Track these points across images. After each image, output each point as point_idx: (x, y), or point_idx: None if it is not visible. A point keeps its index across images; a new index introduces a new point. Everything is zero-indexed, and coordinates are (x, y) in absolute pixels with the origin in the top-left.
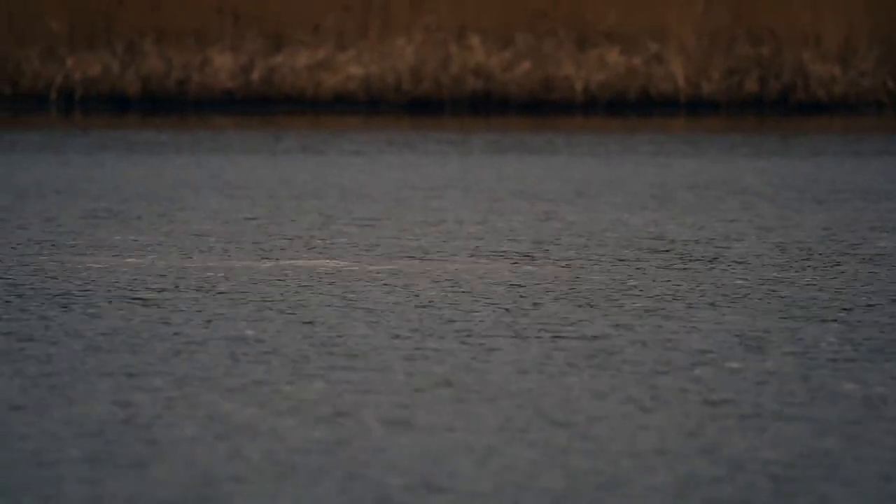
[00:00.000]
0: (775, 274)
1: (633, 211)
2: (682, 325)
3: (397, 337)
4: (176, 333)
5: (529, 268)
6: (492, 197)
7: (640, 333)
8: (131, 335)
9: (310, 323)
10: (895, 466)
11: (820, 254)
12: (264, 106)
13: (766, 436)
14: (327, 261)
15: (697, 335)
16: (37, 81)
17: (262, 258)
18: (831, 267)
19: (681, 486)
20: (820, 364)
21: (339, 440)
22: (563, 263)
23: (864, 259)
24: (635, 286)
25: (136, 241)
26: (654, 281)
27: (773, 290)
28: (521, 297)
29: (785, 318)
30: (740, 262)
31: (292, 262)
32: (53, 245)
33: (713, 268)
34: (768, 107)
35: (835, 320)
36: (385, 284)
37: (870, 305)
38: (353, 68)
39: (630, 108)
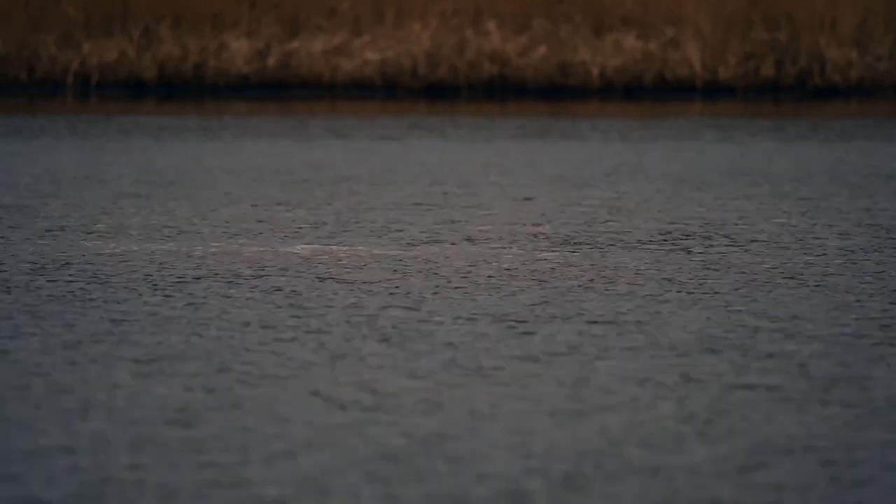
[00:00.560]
0: (811, 258)
1: (670, 195)
2: (726, 310)
3: (440, 322)
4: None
5: (571, 252)
6: (527, 181)
7: (681, 317)
8: (272, 322)
9: (356, 306)
10: None
11: (861, 243)
12: (280, 91)
13: (808, 419)
14: (366, 247)
15: (742, 318)
16: (53, 67)
17: (310, 242)
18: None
19: (719, 467)
20: (860, 349)
21: (435, 433)
22: (605, 248)
23: None
24: (680, 269)
25: (194, 226)
26: (696, 266)
27: (818, 275)
28: (566, 280)
29: (826, 303)
30: (780, 246)
31: (335, 246)
32: (113, 231)
33: (750, 251)
34: (784, 91)
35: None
36: (430, 270)
37: None
38: (369, 53)
39: (646, 93)
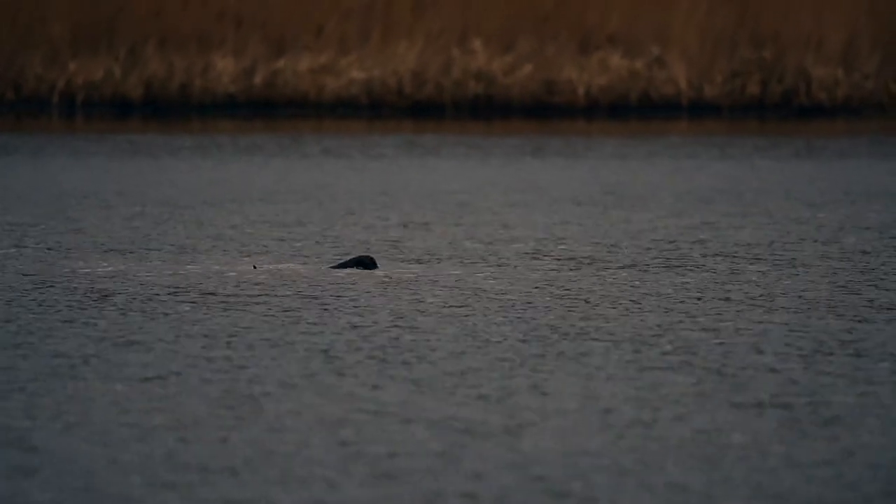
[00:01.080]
0: (848, 277)
1: (679, 214)
2: (763, 328)
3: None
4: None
5: (594, 271)
6: (533, 200)
7: (724, 334)
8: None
9: (381, 327)
10: None
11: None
12: (266, 110)
13: (865, 437)
14: (389, 267)
15: (778, 338)
16: (39, 85)
17: (329, 262)
18: None
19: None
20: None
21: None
22: (628, 268)
23: None
24: (713, 288)
25: (210, 244)
26: (728, 284)
27: (853, 293)
28: (593, 301)
29: (876, 321)
30: (807, 265)
31: (347, 269)
32: (116, 249)
33: (781, 269)
34: (770, 110)
35: None
36: (453, 289)
37: None
38: (355, 72)
39: (632, 111)
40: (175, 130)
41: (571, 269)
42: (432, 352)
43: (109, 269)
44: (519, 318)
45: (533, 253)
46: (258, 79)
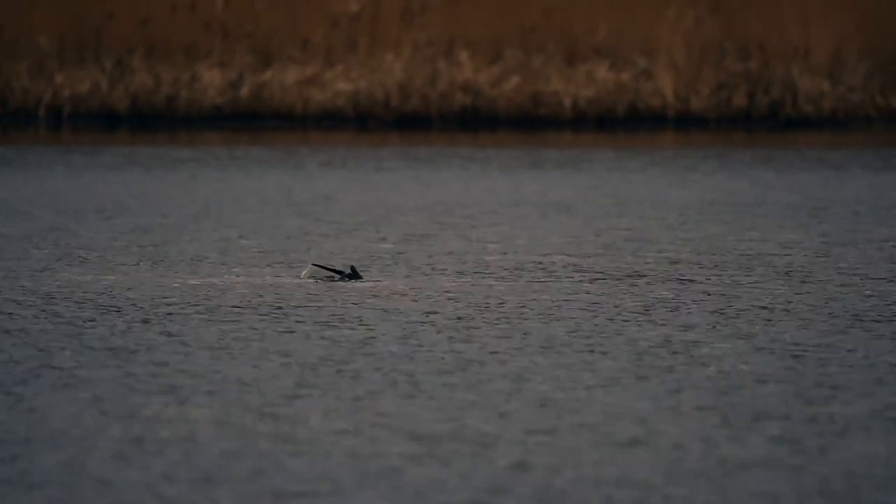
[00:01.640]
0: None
1: (689, 225)
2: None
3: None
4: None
5: (603, 282)
6: (533, 212)
7: (759, 341)
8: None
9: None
10: None
11: None
12: (253, 121)
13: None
14: (392, 280)
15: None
16: (25, 98)
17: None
18: None
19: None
20: None
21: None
22: (634, 278)
23: None
24: (750, 298)
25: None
26: (763, 296)
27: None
28: (607, 311)
29: None
30: (826, 279)
31: (358, 282)
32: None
33: (789, 280)
34: (757, 122)
35: None
36: (463, 301)
37: None
38: (341, 84)
39: (619, 123)
40: (165, 142)
41: (584, 282)
42: (440, 364)
43: (114, 280)
44: (530, 330)
45: (540, 264)
46: (245, 90)
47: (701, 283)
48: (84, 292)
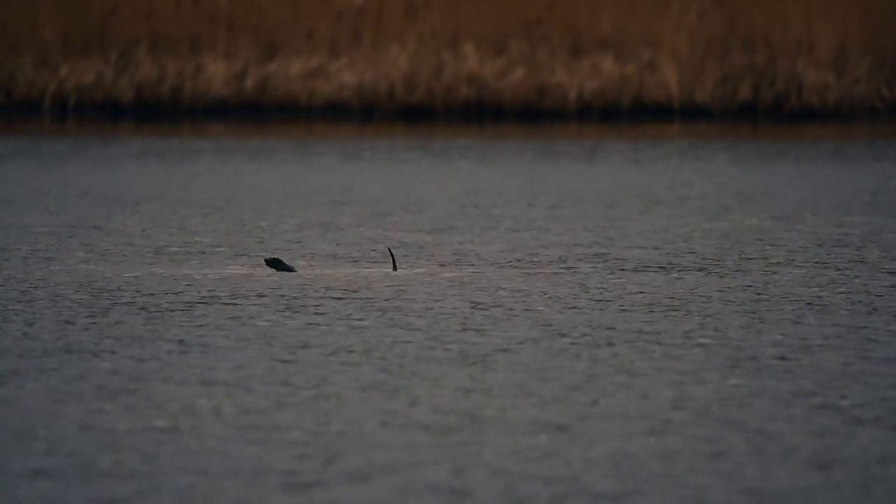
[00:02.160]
0: None
1: (710, 217)
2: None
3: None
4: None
5: (635, 275)
6: (558, 203)
7: (785, 337)
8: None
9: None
10: None
11: None
12: (257, 113)
13: None
14: (416, 270)
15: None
16: (30, 89)
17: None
18: None
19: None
20: None
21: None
22: (662, 270)
23: None
24: (759, 291)
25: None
26: (802, 287)
27: None
28: (636, 304)
29: None
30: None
31: (370, 270)
32: (162, 253)
33: (824, 272)
34: (762, 114)
35: None
36: (508, 291)
37: None
38: (346, 76)
39: (623, 115)
40: (172, 133)
41: (611, 273)
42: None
43: (155, 272)
44: (558, 321)
45: (568, 256)
46: (249, 82)
47: (746, 275)
48: (123, 285)
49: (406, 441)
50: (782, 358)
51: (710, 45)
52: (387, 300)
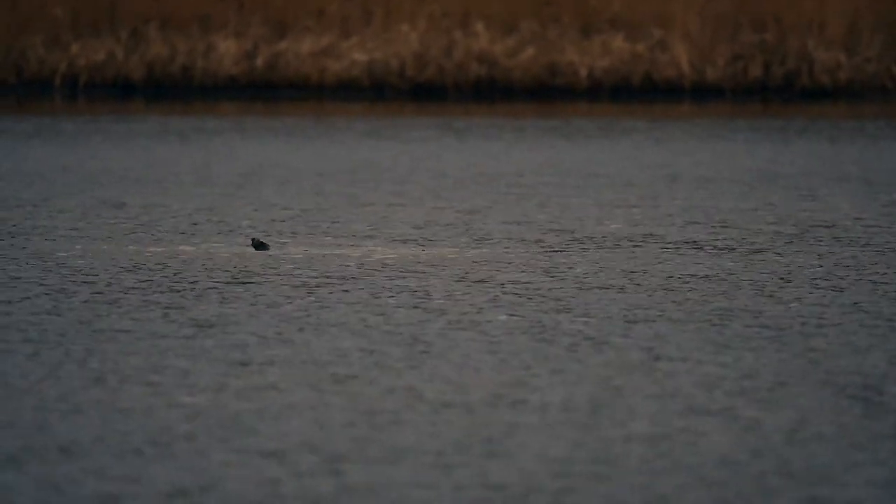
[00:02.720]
0: None
1: (743, 196)
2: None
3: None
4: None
5: (673, 253)
6: (588, 183)
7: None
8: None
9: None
10: None
11: None
12: (268, 92)
13: None
14: (434, 249)
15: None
16: (41, 68)
17: (406, 243)
18: None
19: None
20: None
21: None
22: (702, 249)
23: None
24: (805, 270)
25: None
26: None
27: None
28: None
29: None
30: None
31: (395, 250)
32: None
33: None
34: (773, 93)
35: None
36: (554, 270)
37: None
38: (357, 55)
39: (634, 94)
40: (184, 112)
41: (663, 250)
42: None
43: (198, 249)
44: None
45: (608, 234)
46: (260, 61)
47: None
48: (168, 262)
49: (441, 420)
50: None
51: (721, 23)
52: (422, 278)
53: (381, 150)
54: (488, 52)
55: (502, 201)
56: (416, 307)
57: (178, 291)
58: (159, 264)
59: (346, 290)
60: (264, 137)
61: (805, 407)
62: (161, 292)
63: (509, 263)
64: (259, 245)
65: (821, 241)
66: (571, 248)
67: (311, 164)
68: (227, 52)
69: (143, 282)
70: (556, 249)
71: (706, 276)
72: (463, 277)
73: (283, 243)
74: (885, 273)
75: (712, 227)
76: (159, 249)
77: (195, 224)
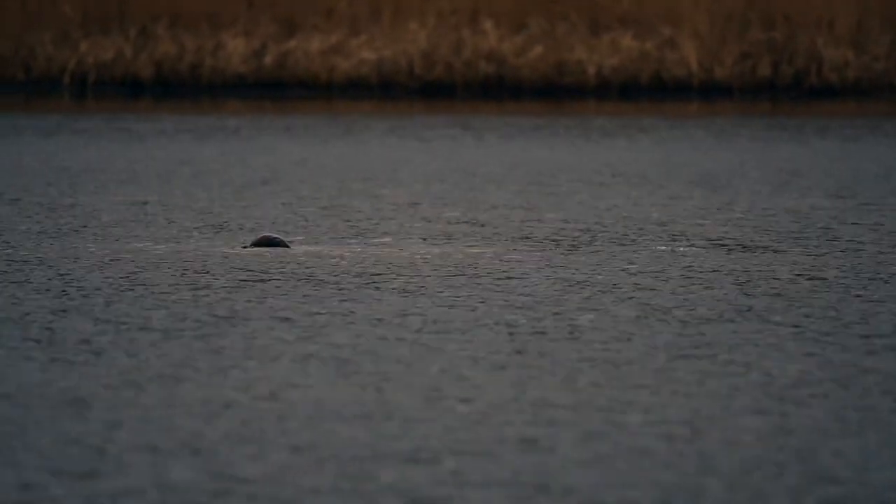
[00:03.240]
0: None
1: (769, 194)
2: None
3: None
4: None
5: (705, 252)
6: (611, 181)
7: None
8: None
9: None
10: None
11: None
12: (277, 90)
13: None
14: (467, 248)
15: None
16: (50, 66)
17: (431, 243)
18: None
19: None
20: None
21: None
22: (734, 247)
23: None
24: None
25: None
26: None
27: None
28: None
29: None
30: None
31: (419, 248)
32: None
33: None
34: (781, 91)
35: None
36: (593, 268)
37: None
38: (365, 53)
39: (643, 92)
40: (194, 111)
41: (705, 250)
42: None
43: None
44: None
45: (639, 232)
46: (269, 59)
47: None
48: (223, 263)
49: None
50: None
51: (729, 21)
52: (463, 277)
53: (403, 149)
54: (497, 50)
55: (535, 199)
56: (510, 306)
57: (228, 289)
58: (200, 263)
59: (407, 289)
60: (282, 136)
61: None
62: (216, 290)
63: (562, 262)
64: (271, 243)
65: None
66: (632, 245)
67: (335, 162)
68: (235, 50)
69: (192, 279)
70: (600, 247)
71: (791, 278)
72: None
73: (316, 241)
74: None
75: (752, 224)
76: (190, 247)
77: (224, 222)
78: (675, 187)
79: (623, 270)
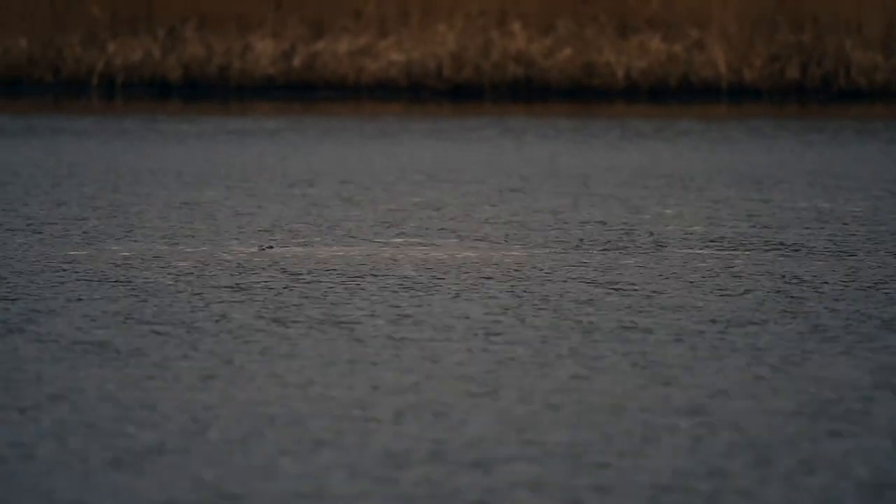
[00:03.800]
0: None
1: (817, 196)
2: None
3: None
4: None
5: (752, 255)
6: (656, 183)
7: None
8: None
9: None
10: None
11: None
12: (305, 92)
13: None
14: (542, 249)
15: None
16: (78, 67)
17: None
18: None
19: None
20: None
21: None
22: (785, 250)
23: None
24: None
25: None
26: None
27: None
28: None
29: None
30: None
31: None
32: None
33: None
34: (810, 94)
35: None
36: (647, 272)
37: None
38: (394, 55)
39: (671, 94)
40: (223, 112)
41: (762, 253)
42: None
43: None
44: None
45: (692, 235)
46: (297, 61)
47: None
48: (282, 262)
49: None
50: None
51: (758, 23)
52: (521, 279)
53: (447, 151)
54: (525, 52)
55: (588, 201)
56: (549, 311)
57: (306, 293)
58: (275, 265)
59: (471, 293)
60: (321, 138)
61: None
62: (287, 293)
63: (620, 264)
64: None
65: None
66: (687, 248)
67: (379, 164)
68: (263, 52)
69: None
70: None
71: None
72: (582, 277)
73: (385, 243)
74: None
75: (806, 227)
76: (254, 250)
77: (292, 224)
78: (717, 190)
79: (672, 275)
